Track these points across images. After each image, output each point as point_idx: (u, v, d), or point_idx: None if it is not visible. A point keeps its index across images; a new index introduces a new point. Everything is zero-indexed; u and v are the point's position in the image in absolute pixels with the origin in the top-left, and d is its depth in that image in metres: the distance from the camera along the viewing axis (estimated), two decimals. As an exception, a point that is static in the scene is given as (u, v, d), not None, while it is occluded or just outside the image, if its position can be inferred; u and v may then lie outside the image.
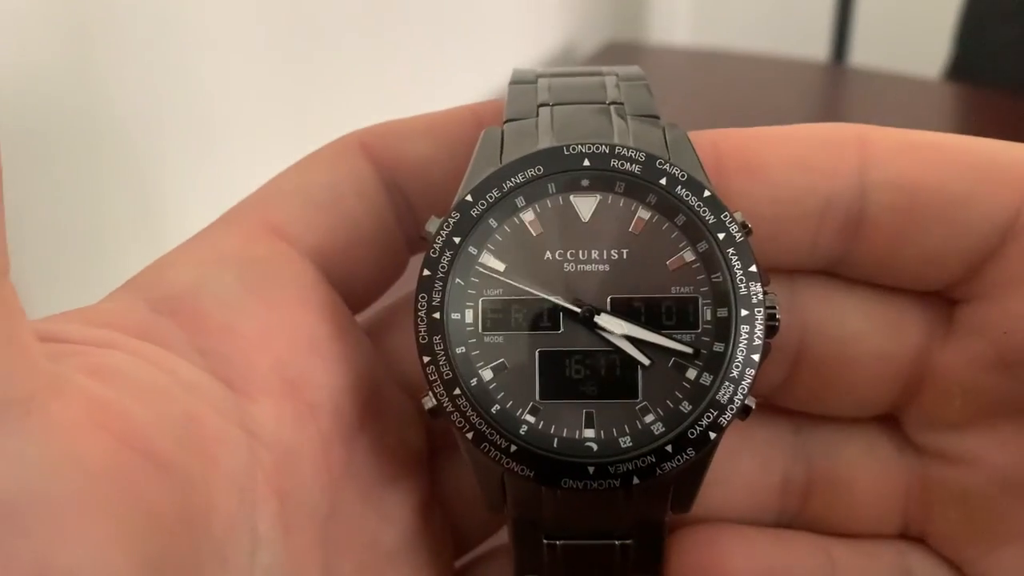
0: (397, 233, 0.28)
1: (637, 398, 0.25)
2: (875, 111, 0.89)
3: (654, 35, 1.38)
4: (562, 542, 0.26)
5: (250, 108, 0.65)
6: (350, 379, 0.26)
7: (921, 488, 0.27)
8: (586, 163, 0.25)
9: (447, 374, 0.25)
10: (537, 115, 0.27)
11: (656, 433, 0.25)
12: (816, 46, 1.30)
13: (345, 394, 0.26)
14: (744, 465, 0.28)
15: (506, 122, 0.27)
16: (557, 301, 0.25)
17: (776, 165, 0.25)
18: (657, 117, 0.27)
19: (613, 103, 0.27)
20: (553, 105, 0.27)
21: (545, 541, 0.26)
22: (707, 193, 0.25)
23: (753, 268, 0.25)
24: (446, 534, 0.29)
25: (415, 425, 0.28)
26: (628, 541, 0.26)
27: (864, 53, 1.30)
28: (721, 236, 0.25)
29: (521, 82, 0.28)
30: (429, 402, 0.25)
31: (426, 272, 0.25)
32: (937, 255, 0.25)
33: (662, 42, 1.33)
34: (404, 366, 0.28)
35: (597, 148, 0.25)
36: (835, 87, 1.07)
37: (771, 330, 0.25)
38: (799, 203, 0.25)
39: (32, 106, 0.50)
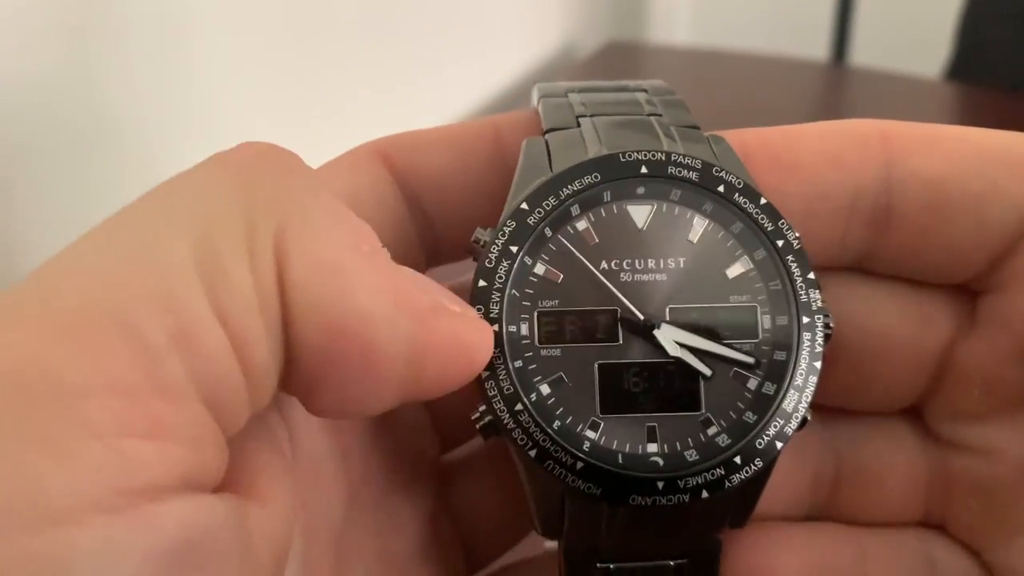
0: (416, 245, 0.28)
1: (700, 410, 0.24)
2: (875, 111, 0.88)
3: (654, 35, 1.38)
4: (616, 565, 0.25)
5: (254, 108, 0.65)
6: None
7: (942, 478, 0.27)
8: (644, 170, 0.25)
9: (508, 389, 0.24)
10: (579, 125, 0.26)
11: (722, 445, 0.24)
12: (816, 46, 1.30)
13: None
14: (779, 463, 0.28)
15: (547, 132, 0.26)
16: (619, 311, 0.24)
17: (807, 161, 0.25)
18: (698, 128, 0.26)
19: (652, 115, 0.27)
20: (592, 116, 0.26)
21: (598, 565, 0.25)
22: (764, 201, 0.25)
23: (811, 275, 0.25)
24: (456, 544, 0.28)
25: (427, 434, 0.28)
26: (683, 561, 0.25)
27: (864, 53, 1.30)
28: (780, 243, 0.25)
29: (552, 95, 0.28)
30: (484, 419, 0.24)
31: (482, 283, 0.24)
32: (962, 248, 0.25)
33: (662, 42, 1.33)
34: None
35: (654, 155, 0.25)
36: (835, 87, 1.07)
37: (826, 338, 0.25)
38: (829, 198, 0.25)
39: (39, 108, 0.50)
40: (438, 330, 0.20)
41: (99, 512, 0.15)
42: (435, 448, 0.29)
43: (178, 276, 0.18)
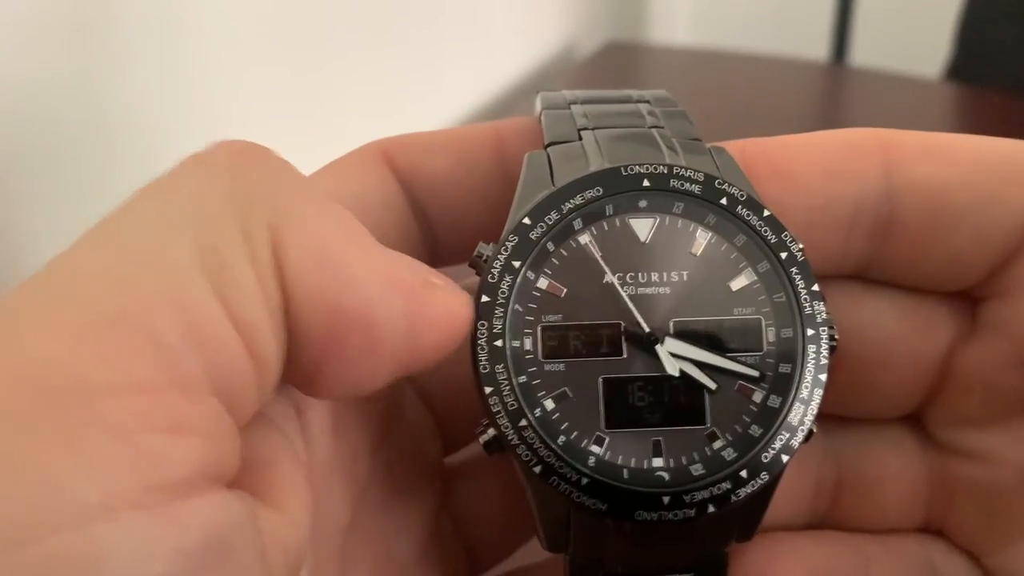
0: (420, 246, 0.28)
1: (705, 424, 0.24)
2: (875, 111, 0.89)
3: (654, 35, 1.38)
4: None
5: (253, 111, 0.65)
6: (378, 391, 0.26)
7: (942, 484, 0.27)
8: (646, 183, 0.25)
9: (512, 404, 0.24)
10: (580, 138, 0.26)
11: (728, 459, 0.24)
12: (816, 46, 1.30)
13: (373, 407, 0.26)
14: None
15: (548, 146, 0.26)
16: (623, 325, 0.24)
17: (806, 172, 0.25)
18: (700, 140, 0.26)
19: (654, 127, 0.27)
20: (594, 129, 0.27)
21: None
22: (767, 213, 0.25)
23: (816, 287, 0.25)
24: (458, 547, 0.28)
25: (432, 437, 0.28)
26: (690, 575, 0.25)
27: (864, 53, 1.30)
28: (784, 255, 0.25)
29: (555, 107, 0.28)
30: (488, 435, 0.24)
31: (485, 298, 0.24)
32: (963, 255, 0.25)
33: (662, 42, 1.33)
34: (422, 377, 0.28)
35: (656, 168, 0.25)
36: (835, 87, 1.07)
37: (831, 350, 0.25)
38: (831, 209, 0.25)
39: (38, 110, 0.50)
40: (429, 303, 0.21)
41: (127, 509, 0.16)
42: (439, 451, 0.29)
43: (185, 275, 0.18)
